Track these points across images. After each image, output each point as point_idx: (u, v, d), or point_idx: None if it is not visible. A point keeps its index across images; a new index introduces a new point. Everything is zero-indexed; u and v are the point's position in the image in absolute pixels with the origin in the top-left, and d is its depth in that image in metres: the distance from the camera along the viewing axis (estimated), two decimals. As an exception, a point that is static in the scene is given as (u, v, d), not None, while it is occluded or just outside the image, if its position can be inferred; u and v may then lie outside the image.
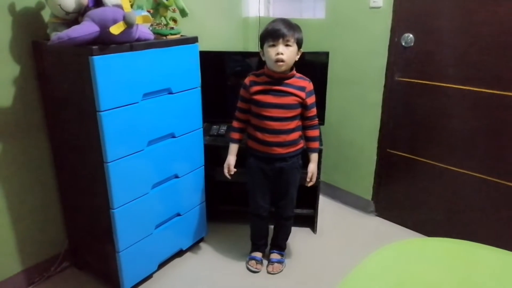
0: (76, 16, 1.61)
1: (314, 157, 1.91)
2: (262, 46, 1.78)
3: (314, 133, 1.89)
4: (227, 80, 2.43)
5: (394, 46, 2.20)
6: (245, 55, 2.45)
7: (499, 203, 1.99)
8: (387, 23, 2.20)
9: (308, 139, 1.90)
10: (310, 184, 1.91)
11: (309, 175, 1.90)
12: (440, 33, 2.02)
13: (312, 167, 1.90)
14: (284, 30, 1.69)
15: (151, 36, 1.70)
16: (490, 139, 1.96)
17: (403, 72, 2.21)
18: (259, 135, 1.84)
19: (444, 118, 2.10)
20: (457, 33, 1.97)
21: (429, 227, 2.30)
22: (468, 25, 1.92)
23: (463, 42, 1.95)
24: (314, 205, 2.32)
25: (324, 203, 2.66)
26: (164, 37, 1.79)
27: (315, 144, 1.90)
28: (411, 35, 2.12)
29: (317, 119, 1.88)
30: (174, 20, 1.87)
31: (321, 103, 2.29)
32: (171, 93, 1.80)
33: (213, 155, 2.24)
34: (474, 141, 2.01)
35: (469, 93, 1.98)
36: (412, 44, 2.13)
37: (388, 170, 2.42)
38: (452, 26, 1.98)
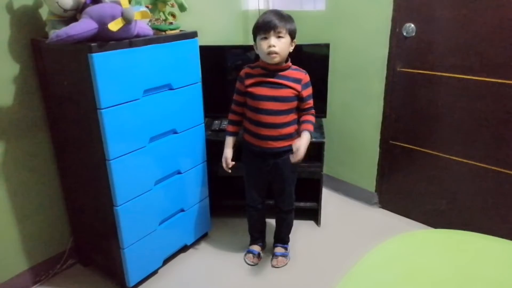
0: (74, 13, 1.59)
1: (305, 134, 1.76)
2: (255, 39, 1.75)
3: (309, 118, 1.81)
4: (228, 74, 2.41)
5: (395, 36, 2.18)
6: (246, 48, 2.42)
7: (503, 192, 1.98)
8: (388, 13, 2.17)
9: (302, 122, 1.81)
10: (294, 161, 1.73)
11: (294, 149, 1.71)
12: (441, 22, 2.00)
13: (299, 143, 1.72)
14: (276, 21, 1.65)
15: (150, 31, 1.68)
16: (493, 128, 1.95)
17: (404, 62, 2.19)
18: (254, 128, 1.82)
19: (447, 108, 2.08)
20: (458, 22, 1.95)
21: (433, 218, 2.29)
22: (469, 13, 1.90)
23: (464, 31, 1.93)
24: (317, 198, 2.31)
25: (328, 196, 2.66)
26: (163, 33, 1.78)
27: (308, 126, 1.79)
28: (412, 25, 2.10)
29: (313, 110, 1.84)
30: (173, 15, 1.86)
31: (322, 96, 2.29)
32: (171, 89, 1.79)
33: (216, 150, 2.23)
34: (477, 131, 2.00)
35: (471, 82, 1.96)
36: (414, 34, 2.11)
37: (391, 161, 2.41)
38: (453, 15, 1.95)
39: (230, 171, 1.92)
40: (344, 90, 2.51)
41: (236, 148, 1.94)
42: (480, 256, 1.14)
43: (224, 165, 1.91)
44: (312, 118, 1.84)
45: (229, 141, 1.92)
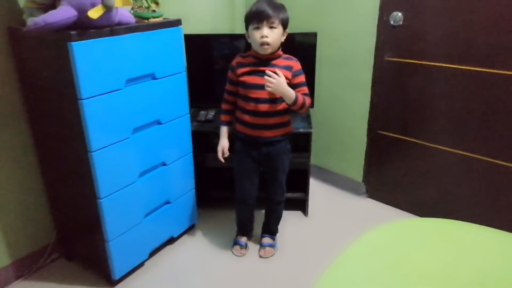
0: (53, 1, 1.54)
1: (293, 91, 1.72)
2: (247, 28, 1.73)
3: (304, 97, 1.76)
4: (214, 63, 2.38)
5: (383, 25, 2.16)
6: (232, 37, 2.39)
7: (491, 182, 1.99)
8: (376, 1, 2.15)
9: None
10: (267, 80, 1.67)
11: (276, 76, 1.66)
12: (429, 11, 1.99)
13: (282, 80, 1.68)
14: (269, 11, 1.64)
15: (132, 19, 1.64)
16: (480, 118, 1.95)
17: (392, 51, 2.18)
18: (246, 117, 1.81)
19: (435, 97, 2.08)
20: (446, 11, 1.93)
21: (421, 207, 2.30)
22: (457, 2, 1.88)
23: (452, 20, 1.92)
24: (305, 188, 2.31)
25: (315, 186, 2.65)
26: (146, 21, 1.73)
27: (301, 96, 1.75)
28: (399, 14, 2.08)
29: (309, 97, 1.79)
30: (156, 3, 1.81)
31: (310, 85, 2.23)
32: (155, 78, 1.75)
33: (202, 141, 2.21)
34: (464, 120, 2.00)
35: (459, 72, 1.96)
36: (401, 22, 2.09)
37: (379, 151, 2.41)
38: (441, 3, 1.94)
39: (224, 160, 1.91)
40: (331, 79, 2.49)
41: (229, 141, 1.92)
42: (467, 245, 1.14)
43: (219, 154, 1.90)
44: (307, 99, 1.77)
45: (225, 131, 1.92)
